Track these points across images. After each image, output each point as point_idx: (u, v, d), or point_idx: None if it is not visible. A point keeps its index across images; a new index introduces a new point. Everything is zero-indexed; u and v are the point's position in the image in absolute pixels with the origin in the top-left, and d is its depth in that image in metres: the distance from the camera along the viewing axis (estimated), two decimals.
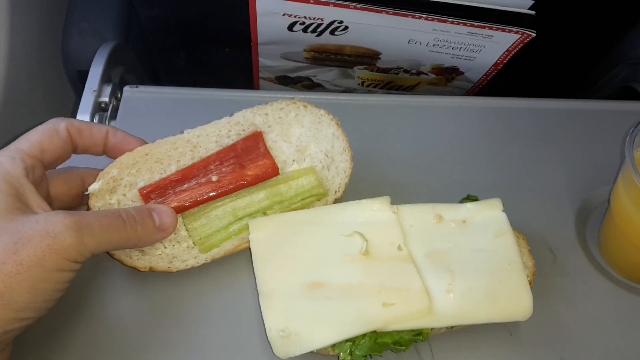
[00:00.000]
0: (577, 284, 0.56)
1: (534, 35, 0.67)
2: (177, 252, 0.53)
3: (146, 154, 0.54)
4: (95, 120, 0.65)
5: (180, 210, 0.53)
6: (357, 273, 0.49)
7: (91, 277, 0.54)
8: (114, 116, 0.66)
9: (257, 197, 0.54)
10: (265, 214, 0.54)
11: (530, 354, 0.52)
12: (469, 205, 0.55)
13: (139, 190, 0.53)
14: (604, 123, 0.68)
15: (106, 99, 0.67)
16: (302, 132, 0.57)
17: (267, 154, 0.56)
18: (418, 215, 0.54)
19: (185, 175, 0.54)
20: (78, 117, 0.65)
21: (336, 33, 0.70)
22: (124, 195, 0.53)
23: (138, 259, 0.52)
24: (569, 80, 0.88)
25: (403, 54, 0.75)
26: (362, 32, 0.70)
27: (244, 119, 0.57)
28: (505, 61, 0.73)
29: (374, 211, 0.53)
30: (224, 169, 0.55)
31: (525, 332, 0.52)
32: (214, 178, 0.54)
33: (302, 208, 0.55)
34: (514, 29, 0.66)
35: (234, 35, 0.76)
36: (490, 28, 0.67)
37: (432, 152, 0.65)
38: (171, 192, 0.54)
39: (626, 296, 0.55)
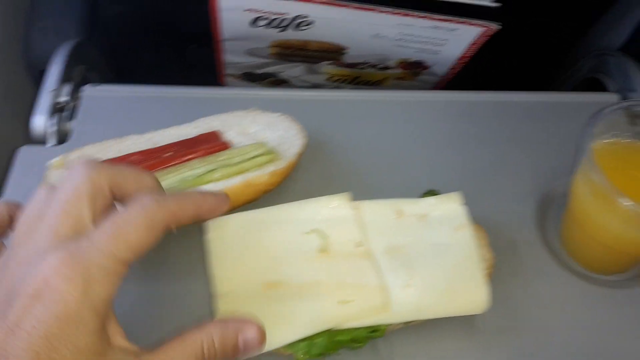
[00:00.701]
0: (537, 275, 0.56)
1: (498, 28, 0.67)
2: None
3: (109, 146, 0.57)
4: (53, 121, 0.63)
5: None
6: (315, 271, 0.49)
7: None
8: (72, 116, 0.65)
9: (204, 161, 0.55)
10: (213, 177, 0.54)
11: (490, 345, 0.52)
12: (430, 199, 0.54)
13: None
14: (567, 115, 0.68)
15: (65, 99, 0.65)
16: (259, 129, 0.60)
17: (223, 142, 0.58)
18: (378, 210, 0.53)
19: (141, 154, 0.56)
20: (34, 118, 0.63)
21: (301, 28, 0.70)
22: None
23: None
24: (536, 73, 0.88)
25: (369, 49, 0.74)
26: (327, 26, 0.70)
27: (204, 123, 0.60)
28: (470, 54, 0.73)
29: (333, 208, 0.52)
30: (179, 150, 0.56)
31: (485, 323, 0.52)
32: (168, 154, 0.56)
33: (252, 169, 0.55)
34: (478, 22, 0.66)
35: (198, 32, 0.75)
36: (455, 22, 0.67)
37: (396, 147, 0.64)
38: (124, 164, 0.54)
39: (585, 287, 0.55)
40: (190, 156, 0.56)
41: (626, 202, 0.47)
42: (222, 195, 0.45)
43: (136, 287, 0.53)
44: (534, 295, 0.55)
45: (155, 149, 0.57)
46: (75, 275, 0.33)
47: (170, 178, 0.53)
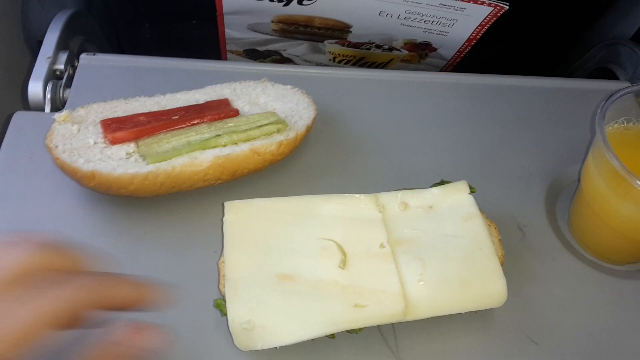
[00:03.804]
0: (546, 263, 0.54)
1: (507, 7, 0.65)
2: (123, 162, 0.51)
3: (115, 106, 0.56)
4: (49, 88, 0.61)
5: (135, 136, 0.53)
6: (332, 270, 0.47)
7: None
8: (68, 84, 0.63)
9: (211, 126, 0.54)
10: (219, 143, 0.53)
11: (498, 335, 0.50)
12: (435, 190, 0.53)
13: (100, 120, 0.54)
14: (577, 101, 0.67)
15: (61, 67, 0.63)
16: (268, 100, 0.59)
17: (232, 109, 0.57)
18: (382, 203, 0.51)
19: (148, 115, 0.55)
20: (30, 84, 0.61)
21: (304, 3, 0.68)
22: (86, 128, 0.53)
23: (82, 164, 0.50)
24: (544, 61, 0.86)
25: (374, 28, 0.72)
26: (332, 2, 0.68)
27: (213, 91, 0.59)
28: (478, 36, 0.71)
29: (358, 207, 0.50)
30: (187, 115, 0.55)
31: (493, 313, 0.50)
32: (175, 117, 0.55)
33: (261, 137, 0.54)
34: (487, 1, 0.64)
35: (199, 5, 0.73)
36: (463, 0, 0.65)
37: (402, 131, 0.62)
38: (130, 123, 0.53)
39: (595, 275, 0.54)
40: (197, 120, 0.54)
41: None
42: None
43: (152, 252, 0.52)
44: (544, 286, 0.53)
45: (162, 111, 0.55)
46: None
47: (176, 140, 0.52)
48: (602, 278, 0.54)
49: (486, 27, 0.69)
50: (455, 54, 0.76)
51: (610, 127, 0.53)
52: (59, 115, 0.54)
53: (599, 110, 0.51)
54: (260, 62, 0.82)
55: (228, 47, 0.79)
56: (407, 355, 0.48)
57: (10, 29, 0.82)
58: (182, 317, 0.48)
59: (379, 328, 0.49)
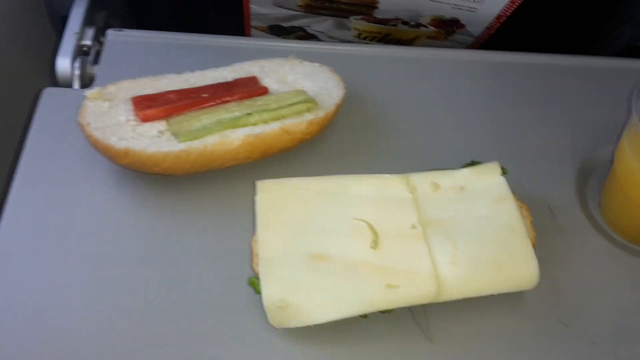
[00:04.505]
0: (576, 245, 0.54)
1: None
2: (156, 140, 0.52)
3: (145, 83, 0.56)
4: (77, 64, 0.61)
5: (165, 114, 0.53)
6: (364, 250, 0.47)
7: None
8: (96, 61, 0.63)
9: (242, 105, 0.54)
10: (249, 121, 0.53)
11: (529, 317, 0.50)
12: (466, 171, 0.52)
13: (131, 98, 0.54)
14: (608, 81, 0.66)
15: (88, 42, 0.63)
16: (297, 78, 0.59)
17: (261, 87, 0.57)
18: (413, 184, 0.51)
19: (178, 93, 0.55)
20: (59, 59, 0.61)
21: None
22: (117, 105, 0.54)
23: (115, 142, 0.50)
24: (573, 38, 0.85)
25: (401, 3, 0.71)
26: None
27: (240, 68, 0.58)
28: (508, 13, 0.70)
29: (389, 188, 0.50)
30: (216, 93, 0.55)
31: (523, 295, 0.50)
32: (205, 95, 0.54)
33: (291, 116, 0.54)
34: None
35: None
36: None
37: (430, 110, 0.62)
38: (161, 101, 0.53)
39: (625, 258, 0.53)
40: (227, 98, 0.54)
41: None
42: None
43: (185, 230, 0.52)
44: (574, 268, 0.53)
45: (192, 89, 0.55)
46: None
47: (206, 119, 0.52)
48: (633, 260, 0.53)
49: (516, 4, 0.68)
50: (484, 31, 0.75)
51: None
52: (90, 92, 0.54)
53: (635, 90, 0.50)
54: (285, 38, 0.82)
55: (252, 23, 0.78)
56: (437, 335, 0.48)
57: (32, 4, 0.82)
58: (216, 294, 0.49)
59: (409, 308, 0.49)
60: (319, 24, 0.78)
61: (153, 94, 0.54)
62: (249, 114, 0.53)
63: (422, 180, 0.51)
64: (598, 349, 0.49)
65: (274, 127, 0.53)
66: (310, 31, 0.80)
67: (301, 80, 0.59)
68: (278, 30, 0.80)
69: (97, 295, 0.48)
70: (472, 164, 0.54)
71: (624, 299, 0.51)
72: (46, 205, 0.52)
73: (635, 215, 0.52)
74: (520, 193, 0.53)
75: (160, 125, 0.52)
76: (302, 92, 0.56)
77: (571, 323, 0.50)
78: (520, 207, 0.52)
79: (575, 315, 0.50)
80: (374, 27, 0.78)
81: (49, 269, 0.49)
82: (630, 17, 0.79)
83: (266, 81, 0.58)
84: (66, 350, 0.46)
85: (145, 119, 0.53)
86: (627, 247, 0.54)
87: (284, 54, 0.61)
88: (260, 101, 0.54)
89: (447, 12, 0.72)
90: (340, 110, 0.58)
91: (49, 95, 0.59)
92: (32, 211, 0.52)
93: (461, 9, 0.71)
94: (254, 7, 0.75)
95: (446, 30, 0.77)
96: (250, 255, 0.49)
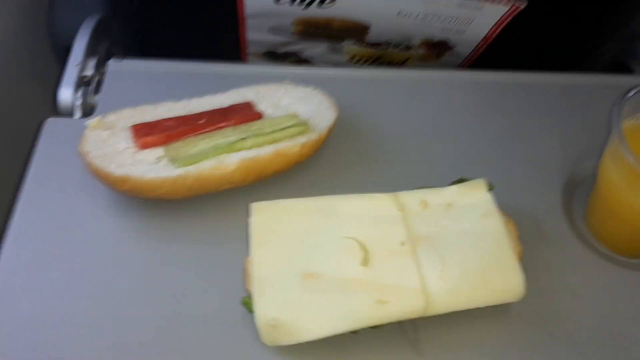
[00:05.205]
0: (562, 256, 0.55)
1: (524, 6, 0.66)
2: (153, 167, 0.54)
3: (144, 111, 0.58)
4: (79, 94, 0.64)
5: (163, 141, 0.55)
6: (354, 267, 0.48)
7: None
8: (97, 90, 0.65)
9: (237, 130, 0.56)
10: (244, 146, 0.55)
11: (516, 327, 0.51)
12: (453, 188, 0.54)
13: (130, 126, 0.56)
14: (593, 97, 0.68)
15: (90, 73, 0.66)
16: (291, 102, 0.61)
17: (256, 112, 0.59)
18: (402, 203, 0.53)
19: (176, 120, 0.57)
20: (61, 90, 0.63)
21: (324, 5, 0.69)
22: (116, 133, 0.56)
23: (114, 169, 0.53)
24: (560, 55, 0.86)
25: (392, 28, 0.74)
26: (351, 3, 0.69)
27: (236, 94, 0.61)
28: (495, 35, 0.72)
29: (379, 207, 0.52)
30: (213, 119, 0.57)
31: (510, 306, 0.52)
32: (201, 121, 0.57)
33: (284, 139, 0.56)
34: (504, 0, 0.65)
35: (222, 8, 0.75)
36: None
37: (420, 129, 0.64)
38: (159, 128, 0.56)
39: (611, 268, 0.55)
40: (223, 124, 0.57)
41: None
42: None
43: (182, 252, 0.54)
44: (562, 279, 0.54)
45: (189, 115, 0.58)
46: None
47: (203, 144, 0.54)
48: (619, 271, 0.55)
49: (503, 25, 0.70)
50: (472, 51, 0.77)
51: (627, 123, 0.53)
52: (91, 122, 0.56)
53: (615, 106, 0.52)
54: (280, 63, 0.84)
55: (249, 50, 0.81)
56: (426, 348, 0.50)
57: (36, 35, 0.85)
58: (210, 313, 0.50)
59: (399, 323, 0.50)
60: (313, 49, 0.81)
61: (152, 122, 0.57)
62: (243, 138, 0.55)
63: (411, 199, 0.53)
64: (584, 359, 0.50)
65: (268, 151, 0.55)
66: (303, 56, 0.82)
67: (295, 104, 0.61)
68: (273, 56, 0.82)
69: (97, 314, 0.50)
70: (460, 181, 0.55)
71: (609, 308, 0.53)
72: (48, 231, 0.54)
73: (619, 227, 0.54)
74: (508, 206, 0.54)
75: (158, 151, 0.55)
76: (295, 116, 0.58)
77: (557, 332, 0.51)
78: (507, 221, 0.53)
79: (562, 325, 0.51)
80: (366, 50, 0.80)
81: (53, 291, 0.51)
82: (616, 34, 0.81)
83: (261, 106, 0.60)
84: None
85: (144, 146, 0.55)
86: (613, 258, 0.56)
87: (279, 79, 0.63)
88: (254, 126, 0.57)
89: (436, 35, 0.74)
90: (333, 131, 0.60)
91: (51, 125, 0.61)
92: (34, 237, 0.54)
93: (449, 32, 0.73)
94: (251, 35, 0.78)
95: (436, 52, 0.79)
96: (244, 275, 0.51)
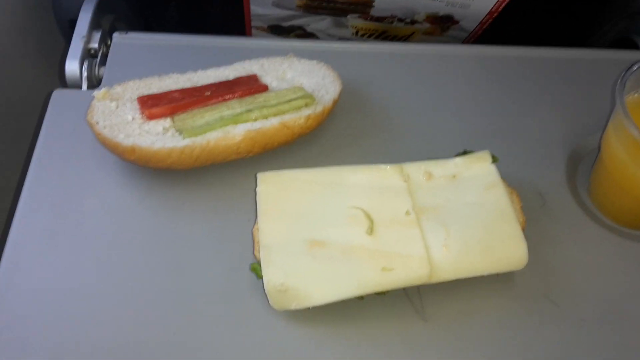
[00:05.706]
0: (566, 229, 0.56)
1: None
2: (161, 137, 0.54)
3: (150, 83, 0.59)
4: (85, 66, 0.64)
5: (170, 112, 0.55)
6: (360, 236, 0.49)
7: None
8: (103, 62, 0.65)
9: (242, 102, 0.56)
10: (250, 117, 0.55)
11: (519, 296, 0.52)
12: (458, 159, 0.55)
13: (137, 97, 0.56)
14: (598, 72, 0.68)
15: (95, 45, 0.66)
16: (295, 75, 0.61)
17: (261, 85, 0.59)
18: (407, 174, 0.53)
19: (182, 92, 0.58)
20: (67, 62, 0.64)
21: None
22: (124, 104, 0.56)
23: (123, 139, 0.53)
24: (566, 31, 0.86)
25: (397, 1, 0.74)
26: None
27: (241, 67, 0.61)
28: (500, 9, 0.72)
29: (384, 178, 0.53)
30: (218, 91, 0.58)
31: (514, 276, 0.53)
32: (207, 93, 0.57)
33: (290, 111, 0.56)
34: None
35: None
36: None
37: (425, 102, 0.64)
38: (165, 100, 0.56)
39: (615, 240, 0.55)
40: (229, 96, 0.57)
41: None
42: None
43: (190, 221, 0.55)
44: (564, 251, 0.55)
45: (195, 87, 0.58)
46: None
47: (209, 116, 0.55)
48: (621, 242, 0.55)
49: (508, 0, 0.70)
50: (477, 26, 0.77)
51: (630, 97, 0.54)
52: (98, 93, 0.57)
53: (619, 80, 0.52)
54: (284, 37, 0.84)
55: (253, 24, 0.81)
56: (431, 314, 0.50)
57: (41, 10, 0.85)
58: (220, 280, 0.51)
59: (404, 290, 0.51)
60: (317, 23, 0.80)
61: (158, 93, 0.57)
62: (249, 110, 0.55)
63: (416, 170, 0.54)
64: (586, 328, 0.51)
65: (273, 123, 0.55)
66: (309, 30, 0.82)
67: (299, 77, 0.61)
68: (278, 30, 0.82)
69: (108, 282, 0.51)
70: (464, 153, 0.56)
71: (612, 279, 0.53)
72: (59, 199, 0.55)
73: (622, 199, 0.55)
74: (512, 180, 0.55)
75: (165, 122, 0.55)
76: (300, 88, 0.58)
77: (560, 302, 0.52)
78: (511, 193, 0.54)
79: (564, 294, 0.52)
80: (370, 24, 0.80)
81: (63, 260, 0.52)
82: (622, 9, 0.81)
83: (266, 79, 0.61)
84: (78, 330, 0.49)
85: (151, 117, 0.55)
86: (615, 230, 0.56)
87: (283, 53, 0.63)
88: (260, 98, 0.57)
89: (441, 9, 0.74)
90: (338, 104, 0.60)
91: (59, 96, 0.62)
92: (45, 206, 0.55)
93: (454, 6, 0.73)
94: (254, 8, 0.78)
95: (441, 27, 0.79)
96: (252, 243, 0.51)
